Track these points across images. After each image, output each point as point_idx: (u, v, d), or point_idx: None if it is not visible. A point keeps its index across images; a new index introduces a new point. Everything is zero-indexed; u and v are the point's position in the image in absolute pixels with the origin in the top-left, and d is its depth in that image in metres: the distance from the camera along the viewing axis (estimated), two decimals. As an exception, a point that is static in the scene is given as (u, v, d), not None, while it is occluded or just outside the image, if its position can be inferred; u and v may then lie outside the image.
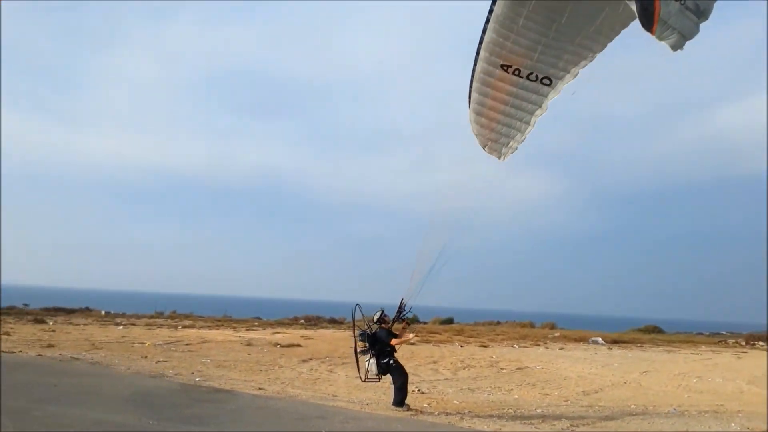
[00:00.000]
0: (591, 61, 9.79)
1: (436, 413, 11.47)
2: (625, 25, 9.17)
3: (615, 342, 31.52)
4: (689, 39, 7.14)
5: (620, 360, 23.89)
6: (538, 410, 12.75)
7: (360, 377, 12.00)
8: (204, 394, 11.94)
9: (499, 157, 10.89)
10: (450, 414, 11.50)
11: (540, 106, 10.33)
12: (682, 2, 7.01)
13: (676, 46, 7.11)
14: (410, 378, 16.36)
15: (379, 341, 11.70)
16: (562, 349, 27.29)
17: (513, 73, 9.93)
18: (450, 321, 51.17)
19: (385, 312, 12.00)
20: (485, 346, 26.82)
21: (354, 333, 12.16)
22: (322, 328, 37.60)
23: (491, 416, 11.62)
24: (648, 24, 7.01)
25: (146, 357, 17.93)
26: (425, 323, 49.99)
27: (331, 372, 17.57)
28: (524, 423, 11.13)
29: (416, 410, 11.52)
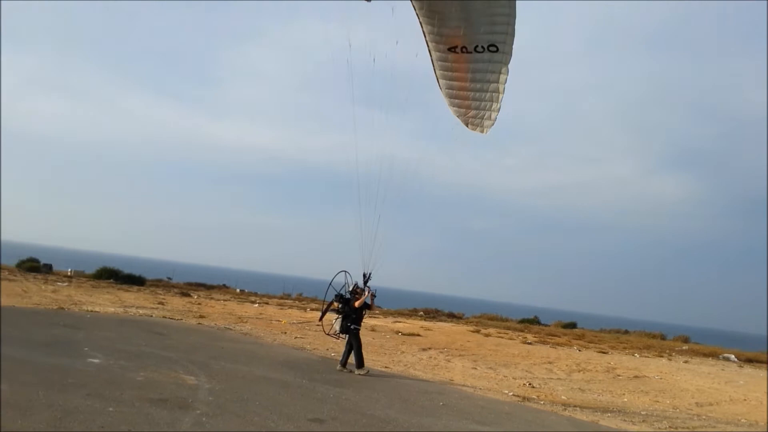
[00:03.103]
0: (515, 16, 10.80)
1: (542, 402, 13.28)
2: None
3: (749, 361, 30.97)
4: None
5: (748, 378, 23.96)
6: (643, 412, 14.09)
7: (323, 330, 14.56)
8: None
9: (483, 131, 12.09)
10: (555, 404, 13.26)
11: (500, 72, 11.35)
12: None
13: None
14: (523, 374, 18.17)
15: (350, 306, 13.99)
16: (686, 362, 27.54)
17: (462, 52, 11.13)
18: (573, 325, 51.52)
19: (359, 285, 14.14)
20: (604, 353, 27.72)
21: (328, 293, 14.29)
22: (441, 321, 39.91)
23: (595, 411, 13.21)
24: None
25: (285, 333, 21.07)
26: (546, 325, 50.82)
27: (448, 361, 19.70)
28: (624, 420, 12.63)
29: (523, 397, 13.40)
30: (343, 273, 14.10)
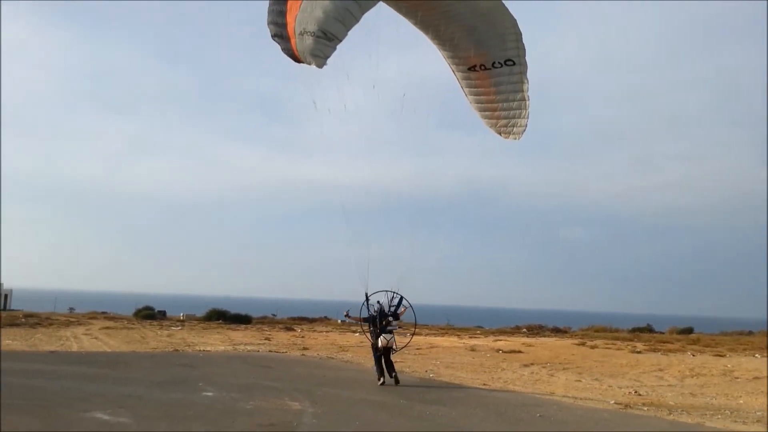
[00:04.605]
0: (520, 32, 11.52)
1: (645, 408, 13.14)
2: None
3: None
4: (324, 55, 9.38)
5: None
6: (758, 413, 13.58)
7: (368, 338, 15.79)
8: (438, 385, 15.04)
9: (516, 138, 12.82)
10: (660, 408, 13.07)
11: (522, 82, 12.12)
12: (308, 33, 9.23)
13: (319, 64, 9.44)
14: (631, 383, 17.88)
15: (376, 320, 14.95)
16: (816, 358, 25.85)
17: (481, 69, 11.93)
18: (689, 331, 49.27)
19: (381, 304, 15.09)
20: (721, 356, 26.49)
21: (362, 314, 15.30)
22: (545, 336, 39.32)
23: (703, 413, 12.91)
24: (295, 59, 9.64)
25: (385, 358, 21.70)
26: (661, 333, 48.83)
27: (551, 375, 19.63)
28: (735, 421, 12.27)
29: (626, 404, 13.31)
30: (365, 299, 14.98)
